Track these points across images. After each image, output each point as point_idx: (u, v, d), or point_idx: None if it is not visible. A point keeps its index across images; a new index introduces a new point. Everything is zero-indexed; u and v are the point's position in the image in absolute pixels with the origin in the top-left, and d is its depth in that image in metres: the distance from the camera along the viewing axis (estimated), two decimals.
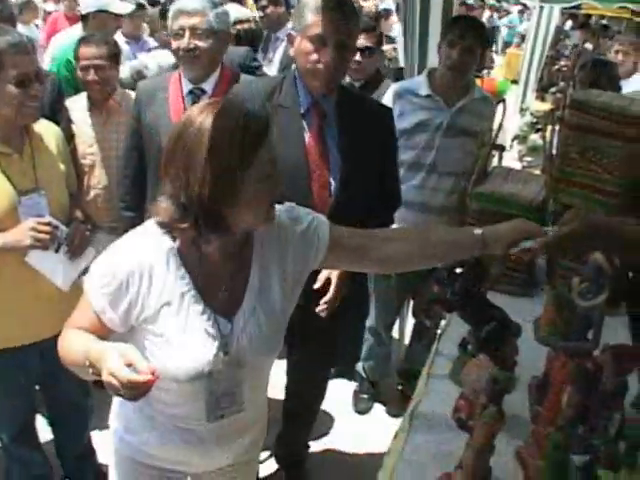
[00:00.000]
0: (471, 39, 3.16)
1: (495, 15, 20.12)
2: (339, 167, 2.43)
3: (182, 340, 1.61)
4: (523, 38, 13.57)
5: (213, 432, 1.76)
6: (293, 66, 2.55)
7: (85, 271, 2.33)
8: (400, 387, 3.86)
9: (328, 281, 2.51)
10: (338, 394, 3.77)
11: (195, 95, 2.83)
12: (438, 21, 3.67)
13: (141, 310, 1.59)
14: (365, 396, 3.89)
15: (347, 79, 3.61)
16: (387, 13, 8.70)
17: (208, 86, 2.86)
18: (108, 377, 1.34)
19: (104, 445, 2.92)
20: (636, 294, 2.52)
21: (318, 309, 2.51)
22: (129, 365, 1.34)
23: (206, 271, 1.63)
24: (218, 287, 1.65)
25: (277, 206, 1.64)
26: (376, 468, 1.92)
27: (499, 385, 1.74)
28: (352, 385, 3.98)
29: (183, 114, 1.56)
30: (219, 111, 1.48)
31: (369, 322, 3.61)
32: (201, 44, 2.77)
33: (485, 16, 16.67)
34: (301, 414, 3.11)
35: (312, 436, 3.30)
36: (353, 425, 3.71)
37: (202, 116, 1.47)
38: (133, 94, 3.15)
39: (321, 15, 2.30)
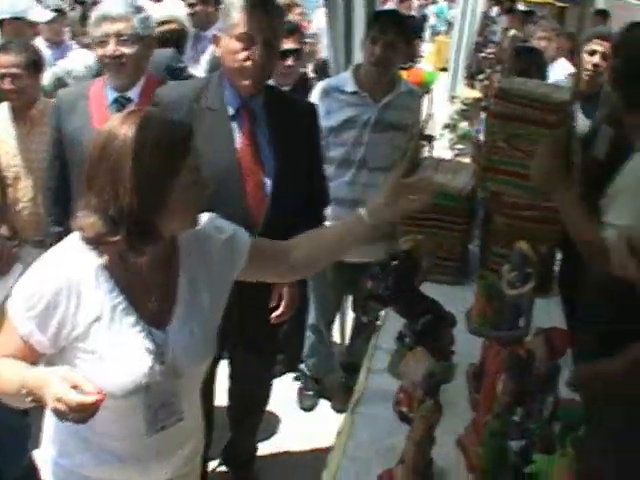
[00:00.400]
0: (393, 34, 3.15)
1: (424, 3, 20.30)
2: (272, 166, 2.42)
3: (116, 355, 1.57)
4: (451, 26, 13.73)
5: (152, 447, 1.72)
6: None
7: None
8: (343, 380, 3.86)
9: (280, 296, 2.66)
10: (283, 393, 3.74)
11: (120, 104, 2.74)
12: (362, 16, 3.66)
13: (71, 329, 1.54)
14: (310, 393, 3.88)
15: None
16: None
17: (134, 94, 2.78)
18: (55, 403, 1.32)
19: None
20: (566, 277, 2.59)
21: (272, 321, 2.66)
22: (74, 387, 1.32)
23: (135, 283, 1.60)
24: (148, 298, 1.63)
25: (201, 215, 1.66)
26: (323, 465, 1.92)
27: (435, 378, 1.77)
28: (297, 384, 3.98)
29: (104, 124, 1.53)
30: (142, 121, 1.47)
31: (310, 320, 3.68)
32: (127, 51, 2.69)
33: (414, 6, 16.79)
34: (247, 416, 3.09)
35: (259, 436, 3.27)
36: (299, 423, 3.70)
37: (125, 127, 1.46)
38: None
39: (247, 14, 2.28)
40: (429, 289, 2.25)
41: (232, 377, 2.95)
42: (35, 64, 3.22)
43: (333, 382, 3.93)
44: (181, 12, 4.64)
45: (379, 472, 1.68)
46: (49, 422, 1.76)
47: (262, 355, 2.83)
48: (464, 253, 2.89)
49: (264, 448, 3.37)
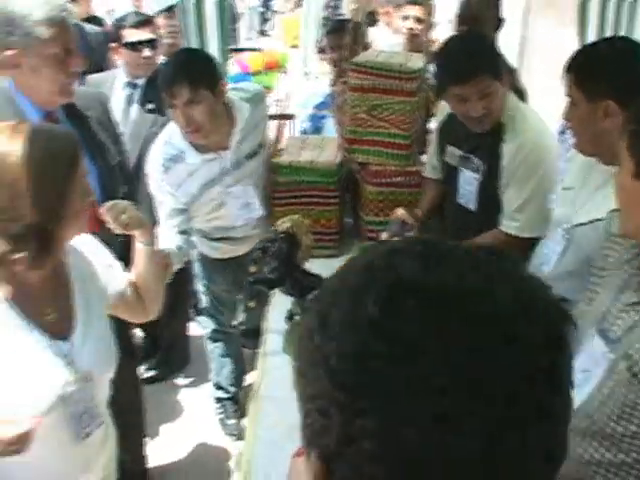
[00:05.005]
0: (188, 89, 2.47)
1: None
2: (96, 175, 2.27)
3: (27, 375, 1.52)
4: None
5: (78, 459, 1.69)
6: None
7: None
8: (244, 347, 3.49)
9: None
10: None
11: None
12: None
13: None
14: (233, 422, 3.45)
15: (127, 77, 3.39)
16: None
17: None
18: None
19: None
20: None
21: None
22: None
23: (28, 300, 1.56)
24: (45, 312, 1.60)
25: None
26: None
27: None
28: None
29: None
30: (31, 136, 1.47)
31: (205, 331, 3.37)
32: None
33: None
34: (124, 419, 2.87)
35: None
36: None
37: (13, 145, 1.44)
38: None
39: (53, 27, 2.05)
40: (310, 264, 2.29)
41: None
42: None
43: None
44: None
45: (293, 450, 1.70)
46: None
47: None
48: (340, 226, 2.95)
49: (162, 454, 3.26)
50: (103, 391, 1.77)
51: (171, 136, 2.67)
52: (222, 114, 2.63)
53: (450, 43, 2.42)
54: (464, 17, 3.42)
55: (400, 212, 2.03)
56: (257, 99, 2.85)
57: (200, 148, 2.64)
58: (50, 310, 1.61)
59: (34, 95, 2.10)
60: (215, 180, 2.70)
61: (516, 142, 2.30)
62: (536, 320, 0.58)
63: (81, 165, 1.56)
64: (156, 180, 2.69)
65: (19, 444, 1.36)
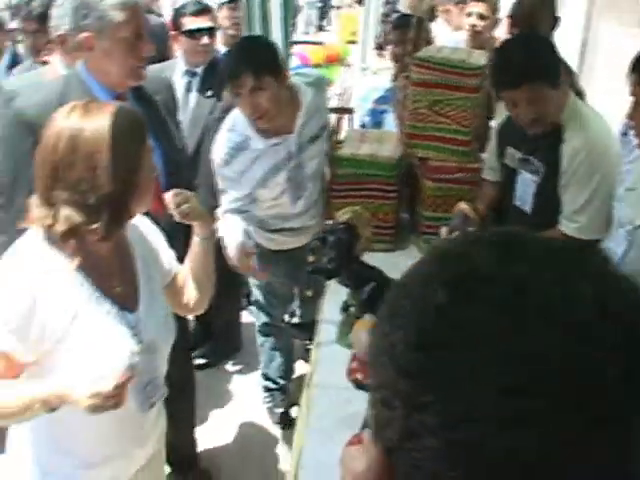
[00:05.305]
0: (251, 77, 2.49)
1: None
2: (161, 155, 2.32)
3: (99, 344, 1.58)
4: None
5: (139, 429, 1.76)
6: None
7: None
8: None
9: None
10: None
11: None
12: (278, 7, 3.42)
13: (52, 331, 1.52)
14: (280, 410, 3.47)
15: (185, 65, 3.43)
16: None
17: None
18: (89, 400, 1.39)
19: None
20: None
21: None
22: None
23: (99, 272, 1.62)
24: (113, 284, 1.66)
25: None
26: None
27: None
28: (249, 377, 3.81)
29: (51, 124, 1.53)
30: (106, 111, 1.53)
31: (258, 322, 3.35)
32: None
33: None
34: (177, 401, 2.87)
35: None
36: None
37: (89, 119, 1.51)
38: None
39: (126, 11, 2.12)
40: (366, 258, 2.29)
41: None
42: None
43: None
44: None
45: (346, 439, 1.71)
46: (25, 443, 1.72)
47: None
48: (397, 220, 2.95)
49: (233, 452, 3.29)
50: (164, 364, 1.82)
51: (235, 124, 2.70)
52: (286, 98, 2.66)
53: (506, 45, 2.39)
54: (517, 17, 3.35)
55: (463, 206, 2.03)
56: (319, 84, 2.90)
57: (265, 133, 2.66)
58: (117, 282, 1.67)
59: (105, 77, 2.16)
60: (280, 165, 2.72)
61: (576, 142, 2.27)
62: (616, 321, 0.54)
63: (147, 141, 1.63)
64: (221, 168, 2.73)
65: (117, 397, 1.41)
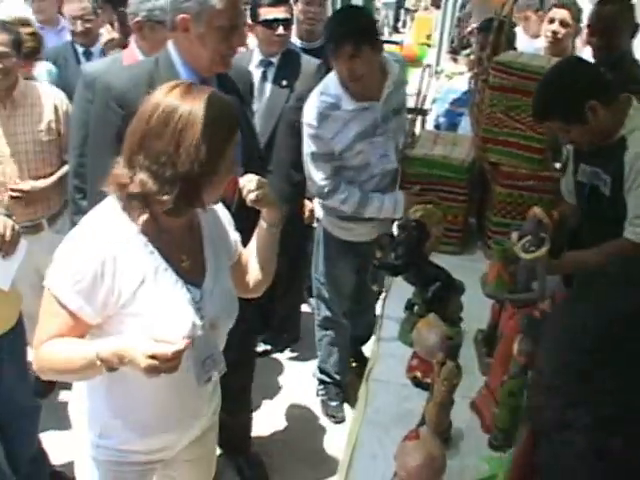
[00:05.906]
0: (351, 45, 2.67)
1: None
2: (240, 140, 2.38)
3: (162, 314, 1.63)
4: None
5: (195, 402, 1.82)
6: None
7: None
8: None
9: None
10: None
11: None
12: None
13: (118, 296, 1.59)
14: (334, 403, 3.53)
15: (261, 55, 3.43)
16: None
17: None
18: (147, 361, 1.43)
19: (56, 447, 2.86)
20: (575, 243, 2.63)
21: None
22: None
23: (169, 244, 1.68)
24: (181, 258, 1.71)
25: None
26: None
27: (453, 341, 1.81)
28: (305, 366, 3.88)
29: (152, 97, 1.58)
30: (206, 96, 1.58)
31: (321, 315, 3.39)
32: None
33: None
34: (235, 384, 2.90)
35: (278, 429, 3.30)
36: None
37: (189, 100, 1.55)
38: (40, 85, 3.09)
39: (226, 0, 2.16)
40: (432, 258, 2.29)
41: None
42: (19, 44, 3.03)
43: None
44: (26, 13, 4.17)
45: (401, 434, 1.73)
46: (82, 407, 1.79)
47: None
48: (465, 223, 2.94)
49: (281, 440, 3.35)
50: (223, 341, 1.86)
51: (326, 86, 2.86)
52: (378, 67, 2.84)
53: (548, 73, 2.37)
54: (596, 26, 3.31)
55: (537, 210, 2.02)
56: (401, 64, 3.10)
57: (355, 96, 2.82)
58: (185, 257, 1.71)
59: (194, 61, 2.21)
60: (367, 132, 2.86)
61: (638, 148, 2.23)
62: None
63: (236, 134, 1.66)
64: (315, 129, 2.82)
65: (174, 362, 1.44)
